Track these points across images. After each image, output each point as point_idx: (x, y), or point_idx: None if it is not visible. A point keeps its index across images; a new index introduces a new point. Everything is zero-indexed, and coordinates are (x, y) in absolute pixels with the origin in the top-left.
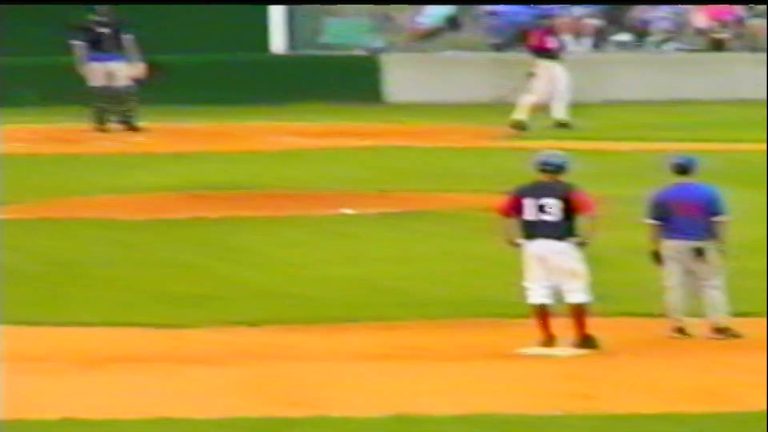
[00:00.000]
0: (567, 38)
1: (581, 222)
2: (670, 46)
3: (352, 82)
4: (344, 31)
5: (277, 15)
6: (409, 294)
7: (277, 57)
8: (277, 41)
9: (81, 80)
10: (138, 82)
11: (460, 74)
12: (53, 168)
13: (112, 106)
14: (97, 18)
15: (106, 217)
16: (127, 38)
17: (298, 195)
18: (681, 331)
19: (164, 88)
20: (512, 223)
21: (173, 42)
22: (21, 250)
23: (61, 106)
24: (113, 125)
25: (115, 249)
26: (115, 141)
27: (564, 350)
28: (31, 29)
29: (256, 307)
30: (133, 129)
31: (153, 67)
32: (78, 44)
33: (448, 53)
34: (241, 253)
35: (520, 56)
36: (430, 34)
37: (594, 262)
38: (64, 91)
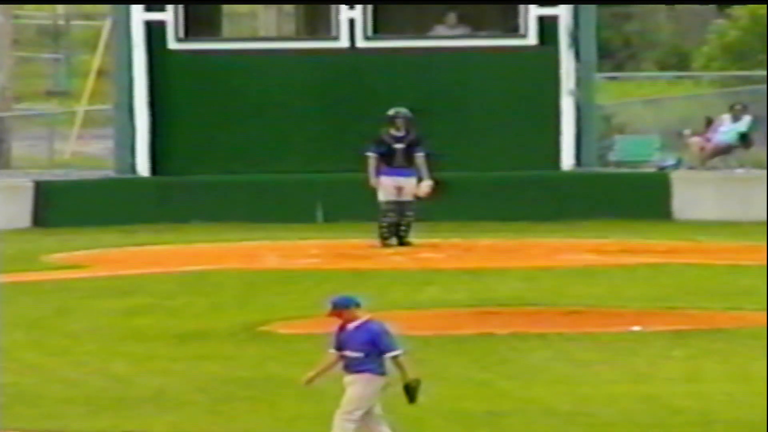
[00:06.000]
0: None
1: None
2: None
3: (642, 199)
4: (634, 148)
5: (568, 133)
6: (699, 413)
7: (567, 174)
8: (567, 158)
9: (366, 195)
10: (419, 198)
11: (751, 191)
12: (344, 284)
13: (395, 221)
14: (393, 132)
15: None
16: (420, 155)
17: (588, 312)
18: None
19: (455, 205)
20: None
21: (466, 160)
22: (309, 365)
23: (348, 222)
24: (394, 240)
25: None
26: (404, 257)
27: None
28: (317, 145)
29: (545, 426)
30: (405, 244)
31: (439, 184)
32: (372, 156)
33: (740, 170)
34: (529, 370)
35: None
36: (721, 151)
37: None
38: (350, 206)
